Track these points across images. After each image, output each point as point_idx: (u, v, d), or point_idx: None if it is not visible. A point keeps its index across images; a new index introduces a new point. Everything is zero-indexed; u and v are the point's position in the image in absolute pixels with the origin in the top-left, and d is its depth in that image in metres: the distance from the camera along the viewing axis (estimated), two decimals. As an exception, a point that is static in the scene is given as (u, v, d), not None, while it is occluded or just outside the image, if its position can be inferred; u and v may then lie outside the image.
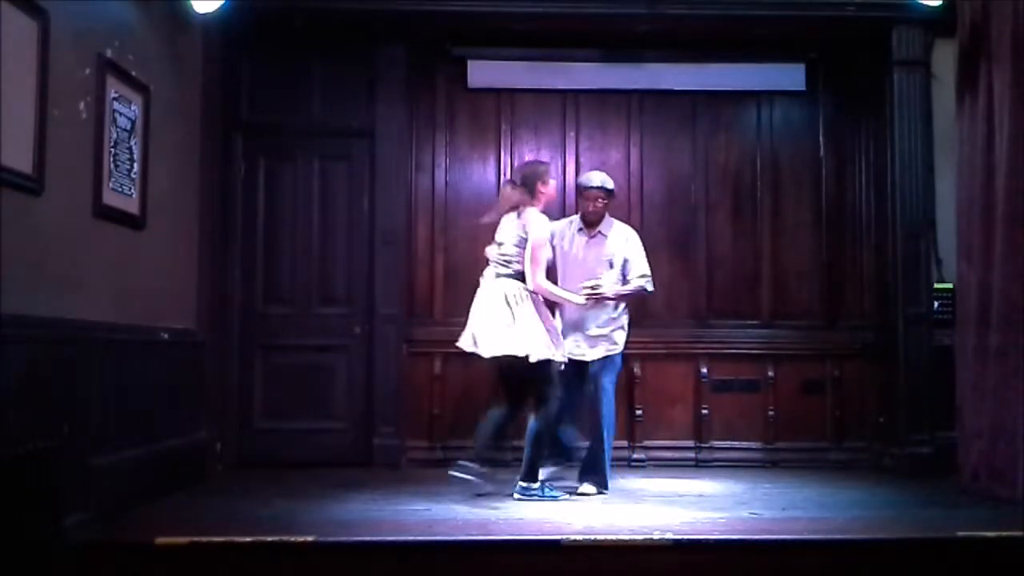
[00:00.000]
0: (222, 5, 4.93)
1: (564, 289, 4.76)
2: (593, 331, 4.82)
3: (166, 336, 4.67)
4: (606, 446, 4.82)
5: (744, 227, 6.10)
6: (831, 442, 5.93)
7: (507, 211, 4.73)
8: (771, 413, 5.92)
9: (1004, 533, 3.65)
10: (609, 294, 4.79)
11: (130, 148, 4.29)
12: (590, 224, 4.97)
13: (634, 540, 3.55)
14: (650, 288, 4.96)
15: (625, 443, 5.85)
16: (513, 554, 3.52)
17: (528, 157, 6.02)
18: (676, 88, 6.07)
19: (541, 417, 4.55)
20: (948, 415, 5.13)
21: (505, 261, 4.63)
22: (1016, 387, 4.61)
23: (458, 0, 5.47)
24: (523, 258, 4.58)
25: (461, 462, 4.63)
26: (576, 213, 5.10)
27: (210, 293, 5.32)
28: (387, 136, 5.76)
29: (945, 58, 5.53)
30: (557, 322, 4.79)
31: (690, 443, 5.91)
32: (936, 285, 5.56)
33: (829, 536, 3.68)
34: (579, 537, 3.57)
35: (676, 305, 6.05)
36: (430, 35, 5.84)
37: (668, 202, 6.09)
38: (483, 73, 6.01)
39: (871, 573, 3.54)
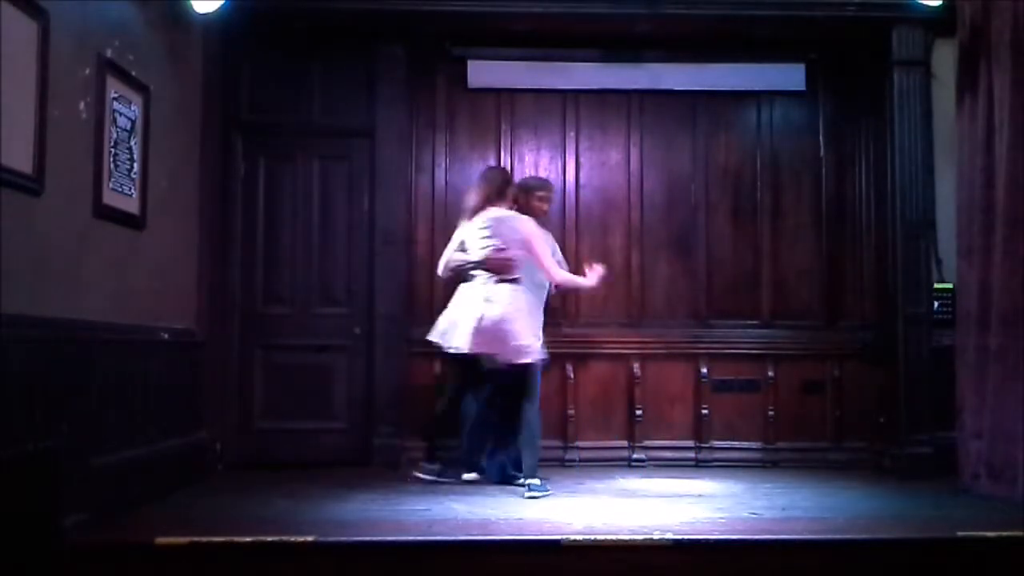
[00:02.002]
0: (222, 5, 4.94)
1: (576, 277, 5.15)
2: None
3: (166, 336, 4.67)
4: None
5: (744, 227, 6.10)
6: (831, 442, 5.92)
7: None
8: (771, 413, 5.92)
9: (1004, 533, 3.66)
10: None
11: (130, 148, 4.28)
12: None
13: (634, 540, 3.55)
14: None
15: (625, 443, 5.87)
16: (513, 554, 3.52)
17: (528, 157, 6.06)
18: (676, 88, 6.06)
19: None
20: (948, 415, 5.12)
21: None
22: (1016, 387, 4.61)
23: (458, 0, 5.47)
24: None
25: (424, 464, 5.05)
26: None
27: (210, 293, 5.32)
28: (387, 136, 5.76)
29: (945, 58, 5.53)
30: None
31: (690, 443, 5.91)
32: (936, 285, 5.55)
33: (829, 536, 3.68)
34: (579, 537, 3.57)
35: (676, 305, 6.05)
36: (430, 35, 5.84)
37: (668, 202, 6.08)
38: (483, 73, 6.01)
39: (871, 573, 3.54)
